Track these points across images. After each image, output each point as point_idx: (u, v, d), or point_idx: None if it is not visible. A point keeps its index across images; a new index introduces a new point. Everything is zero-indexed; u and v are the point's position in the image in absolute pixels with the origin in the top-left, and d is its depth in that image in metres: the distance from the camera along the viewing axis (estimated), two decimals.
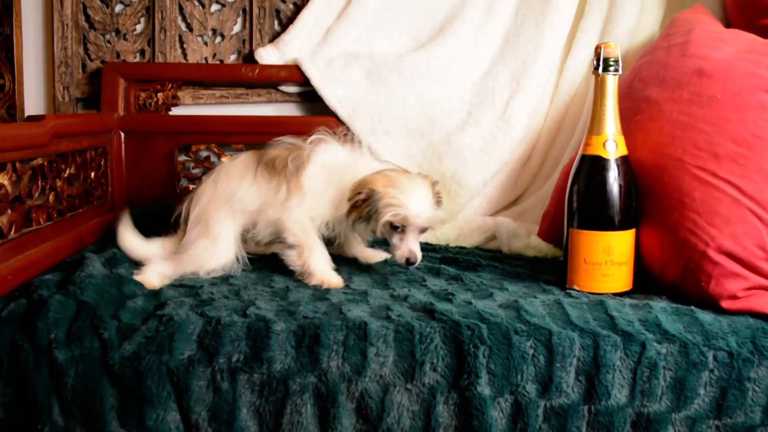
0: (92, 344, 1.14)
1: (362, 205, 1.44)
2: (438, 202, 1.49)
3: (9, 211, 1.35)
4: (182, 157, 2.08)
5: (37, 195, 1.48)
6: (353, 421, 1.13)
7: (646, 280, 1.41)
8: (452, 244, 1.88)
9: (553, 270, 1.55)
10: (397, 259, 1.47)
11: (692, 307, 1.28)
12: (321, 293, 1.36)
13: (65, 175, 1.62)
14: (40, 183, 1.49)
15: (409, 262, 1.45)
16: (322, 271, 1.45)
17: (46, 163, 1.52)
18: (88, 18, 2.11)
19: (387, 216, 1.41)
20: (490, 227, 1.91)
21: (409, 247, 1.45)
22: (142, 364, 1.11)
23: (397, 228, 1.44)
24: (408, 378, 1.13)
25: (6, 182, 1.33)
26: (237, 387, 1.12)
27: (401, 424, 1.12)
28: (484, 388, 1.12)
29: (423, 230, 1.47)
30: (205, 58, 2.15)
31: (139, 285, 1.36)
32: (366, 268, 1.57)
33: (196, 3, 2.13)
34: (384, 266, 1.60)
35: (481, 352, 1.12)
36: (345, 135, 1.60)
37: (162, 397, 1.11)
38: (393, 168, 1.49)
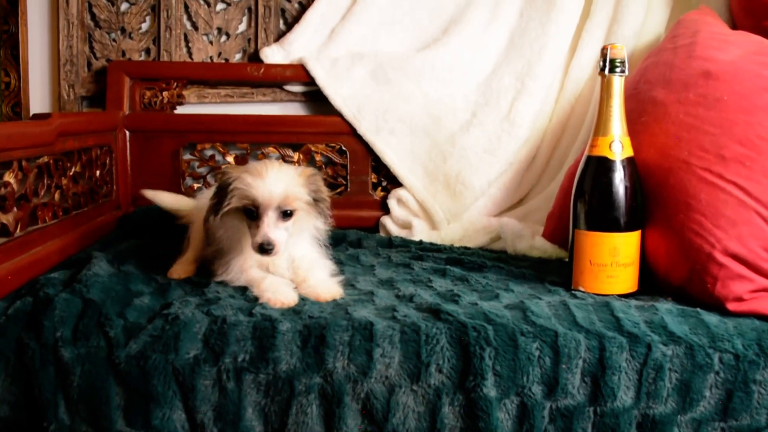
0: (98, 343, 1.14)
1: (216, 192, 1.34)
2: (313, 190, 1.34)
3: (15, 209, 1.35)
4: (187, 156, 2.09)
5: (42, 193, 1.48)
6: (358, 422, 1.13)
7: (652, 281, 1.41)
8: (457, 245, 1.88)
9: (558, 271, 1.55)
10: (252, 248, 1.31)
11: (698, 309, 1.27)
12: None
13: (71, 174, 1.63)
14: (45, 181, 1.49)
15: (262, 248, 1.28)
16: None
17: (51, 162, 1.52)
18: (93, 16, 2.11)
19: (235, 200, 1.29)
20: (494, 228, 1.91)
21: (264, 231, 1.28)
22: (148, 363, 1.11)
23: (252, 215, 1.30)
24: (414, 379, 1.13)
25: (12, 180, 1.34)
26: (243, 387, 1.12)
27: (407, 425, 1.12)
28: (490, 390, 1.12)
29: (285, 214, 1.30)
30: (211, 57, 2.15)
31: (145, 283, 1.36)
32: (369, 268, 1.56)
33: (202, 2, 2.14)
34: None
35: (487, 353, 1.12)
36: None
37: (168, 396, 1.11)
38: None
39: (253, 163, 1.33)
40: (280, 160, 1.38)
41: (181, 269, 1.47)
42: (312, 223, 1.38)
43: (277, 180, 1.29)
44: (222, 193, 1.31)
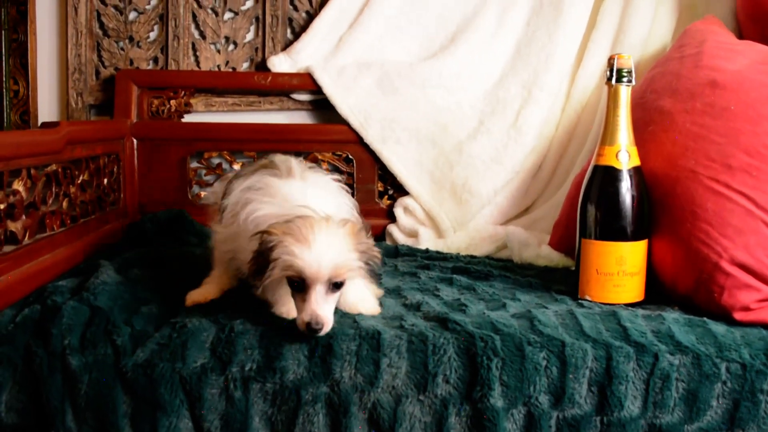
0: (106, 350, 1.14)
1: (256, 257, 1.16)
2: (363, 252, 1.17)
3: (23, 217, 1.36)
4: (194, 164, 2.09)
5: (51, 201, 1.49)
6: None
7: (658, 290, 1.41)
8: (463, 253, 1.88)
9: (564, 280, 1.55)
10: (298, 326, 1.14)
11: (705, 319, 1.27)
12: None
13: (78, 182, 1.63)
14: (54, 189, 1.50)
15: (310, 328, 1.12)
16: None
17: (60, 170, 1.53)
18: (102, 25, 2.12)
19: (278, 269, 1.12)
20: (501, 236, 1.91)
21: (312, 308, 1.12)
22: (155, 371, 1.11)
23: (297, 285, 1.14)
24: (420, 389, 1.13)
25: (21, 188, 1.34)
26: (250, 396, 1.12)
27: None
28: (497, 400, 1.12)
29: (335, 285, 1.14)
30: (218, 66, 2.16)
31: (153, 291, 1.36)
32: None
33: (210, 11, 2.15)
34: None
35: (494, 364, 1.12)
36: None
37: (175, 404, 1.11)
38: (307, 215, 1.16)
39: (297, 220, 1.13)
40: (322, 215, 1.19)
41: (199, 294, 1.34)
42: (355, 286, 1.25)
43: (327, 248, 1.11)
44: (262, 259, 1.14)
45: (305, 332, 1.13)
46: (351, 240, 1.15)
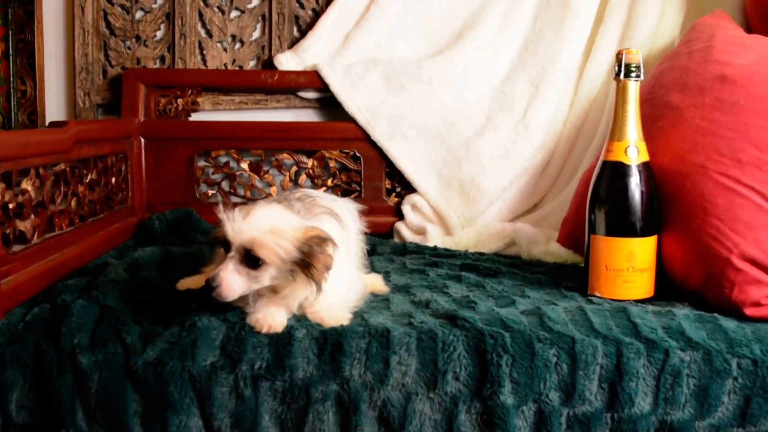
0: (115, 349, 1.14)
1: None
2: (304, 252, 1.15)
3: (32, 216, 1.36)
4: (201, 163, 2.09)
5: (59, 200, 1.49)
6: (375, 430, 1.13)
7: (668, 286, 1.41)
8: (471, 250, 1.87)
9: (573, 276, 1.54)
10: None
11: (715, 314, 1.27)
12: None
13: (87, 181, 1.64)
14: (62, 188, 1.50)
15: (207, 283, 1.14)
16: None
17: (68, 169, 1.53)
18: (108, 24, 2.13)
19: (215, 231, 1.19)
20: (509, 233, 1.91)
21: (219, 268, 1.15)
22: (165, 369, 1.11)
23: (226, 250, 1.17)
24: (430, 386, 1.12)
25: (29, 188, 1.34)
26: (259, 394, 1.12)
27: None
28: (507, 397, 1.12)
29: (252, 260, 1.14)
30: (225, 64, 2.16)
31: (162, 289, 1.36)
32: (384, 275, 1.56)
33: (216, 9, 2.14)
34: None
35: (504, 361, 1.12)
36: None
37: (185, 403, 1.11)
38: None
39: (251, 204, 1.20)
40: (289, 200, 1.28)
41: (191, 281, 1.40)
42: (301, 291, 1.20)
43: (256, 221, 1.14)
44: (216, 230, 1.20)
45: (205, 286, 1.15)
46: (297, 236, 1.15)
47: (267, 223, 1.15)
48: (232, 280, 1.14)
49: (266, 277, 1.16)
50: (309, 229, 1.18)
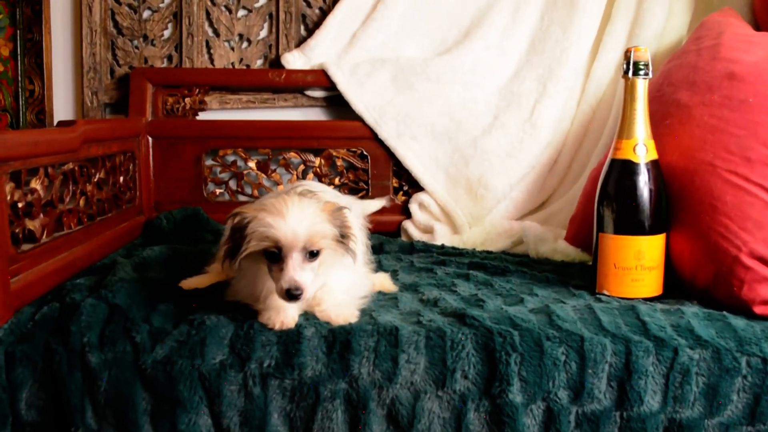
0: (125, 348, 1.15)
1: (231, 234, 1.19)
2: (340, 227, 1.19)
3: (41, 215, 1.36)
4: (209, 162, 2.10)
5: (68, 199, 1.49)
6: (384, 428, 1.13)
7: (677, 285, 1.40)
8: (479, 248, 1.87)
9: (581, 274, 1.54)
10: (277, 294, 1.16)
11: (724, 313, 1.26)
12: None
13: (95, 180, 1.64)
14: (71, 187, 1.51)
15: (289, 293, 1.13)
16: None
17: (76, 168, 1.53)
18: (116, 24, 2.13)
19: (255, 241, 1.14)
20: (516, 231, 1.91)
21: (290, 274, 1.13)
22: (174, 368, 1.12)
23: (274, 257, 1.16)
24: (439, 385, 1.12)
25: (38, 187, 1.35)
26: (268, 392, 1.12)
27: (432, 431, 1.12)
28: (516, 396, 1.12)
29: (311, 254, 1.16)
30: (232, 63, 2.16)
31: (170, 288, 1.37)
32: (392, 273, 1.56)
33: (223, 9, 2.15)
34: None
35: (513, 359, 1.12)
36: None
37: (194, 401, 1.11)
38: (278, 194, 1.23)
39: (269, 200, 1.19)
40: (300, 190, 1.26)
41: (193, 281, 1.41)
42: (338, 261, 1.22)
43: (300, 218, 1.14)
44: (237, 235, 1.17)
45: (285, 298, 1.14)
46: (324, 214, 1.17)
47: (307, 218, 1.15)
48: (306, 280, 1.15)
49: (318, 263, 1.18)
50: (327, 205, 1.20)
